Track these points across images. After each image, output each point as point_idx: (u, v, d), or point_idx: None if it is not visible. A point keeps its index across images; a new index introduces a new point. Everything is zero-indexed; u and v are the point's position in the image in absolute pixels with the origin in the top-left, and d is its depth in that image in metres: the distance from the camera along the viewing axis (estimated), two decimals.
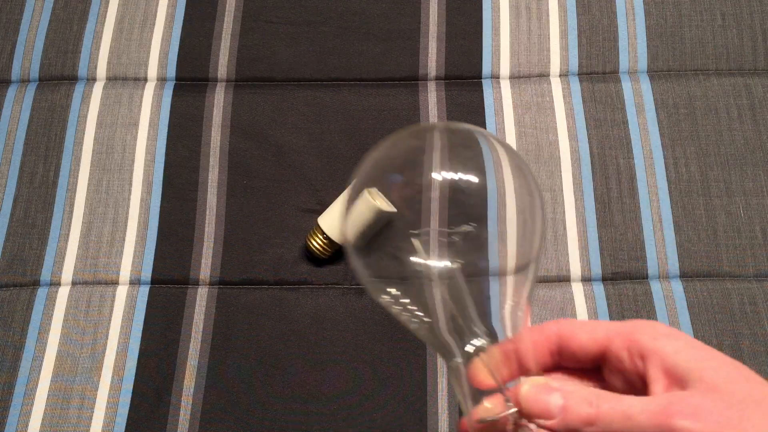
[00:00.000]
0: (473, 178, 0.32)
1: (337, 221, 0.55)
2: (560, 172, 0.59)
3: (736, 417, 0.24)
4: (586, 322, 0.29)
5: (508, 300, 0.31)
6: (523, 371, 0.29)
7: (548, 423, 0.27)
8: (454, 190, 0.32)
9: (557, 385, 0.27)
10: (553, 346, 0.30)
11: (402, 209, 0.33)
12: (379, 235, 0.36)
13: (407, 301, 0.31)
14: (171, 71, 0.64)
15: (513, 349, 0.29)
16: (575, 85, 0.62)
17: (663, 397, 0.26)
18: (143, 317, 0.56)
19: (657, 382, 0.26)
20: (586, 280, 0.56)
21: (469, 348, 0.29)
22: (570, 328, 0.29)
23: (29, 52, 0.66)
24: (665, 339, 0.27)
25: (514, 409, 0.27)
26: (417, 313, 0.31)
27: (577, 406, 0.26)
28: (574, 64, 0.63)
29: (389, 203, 0.61)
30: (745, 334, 0.54)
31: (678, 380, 0.26)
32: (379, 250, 0.34)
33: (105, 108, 0.63)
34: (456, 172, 0.33)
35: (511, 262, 0.32)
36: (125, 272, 0.57)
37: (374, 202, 0.55)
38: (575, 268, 0.56)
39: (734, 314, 0.54)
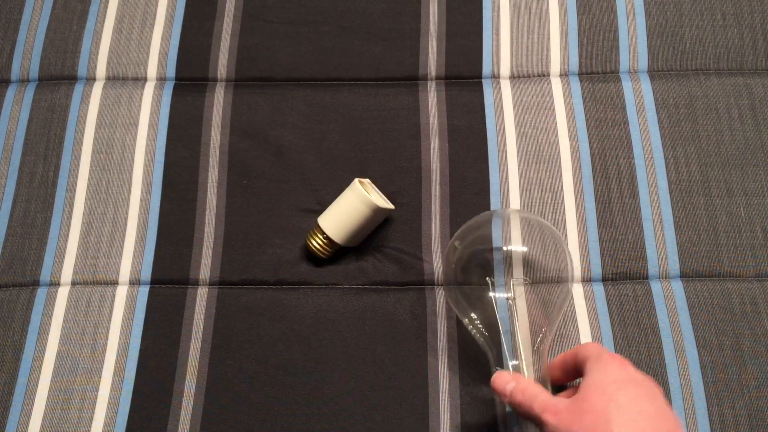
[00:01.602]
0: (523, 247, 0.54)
1: (337, 221, 0.55)
2: (560, 172, 0.59)
3: (578, 420, 0.40)
4: (568, 355, 0.48)
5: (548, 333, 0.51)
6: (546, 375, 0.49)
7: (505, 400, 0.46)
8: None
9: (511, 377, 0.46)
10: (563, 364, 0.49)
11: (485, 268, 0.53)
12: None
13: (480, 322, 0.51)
14: (171, 71, 0.64)
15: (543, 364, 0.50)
16: (575, 85, 0.62)
17: (554, 398, 0.43)
18: (143, 317, 0.56)
19: (580, 388, 0.43)
20: (586, 280, 0.56)
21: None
22: (561, 359, 0.48)
23: (29, 52, 0.65)
24: (600, 370, 0.43)
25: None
26: (482, 331, 0.51)
27: (516, 392, 0.45)
28: (574, 64, 0.63)
29: (386, 200, 0.63)
30: (745, 334, 0.54)
31: (578, 392, 0.42)
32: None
33: (104, 108, 0.63)
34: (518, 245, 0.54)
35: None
36: (125, 272, 0.57)
37: (369, 196, 0.55)
38: (576, 269, 0.56)
39: (735, 314, 0.54)
